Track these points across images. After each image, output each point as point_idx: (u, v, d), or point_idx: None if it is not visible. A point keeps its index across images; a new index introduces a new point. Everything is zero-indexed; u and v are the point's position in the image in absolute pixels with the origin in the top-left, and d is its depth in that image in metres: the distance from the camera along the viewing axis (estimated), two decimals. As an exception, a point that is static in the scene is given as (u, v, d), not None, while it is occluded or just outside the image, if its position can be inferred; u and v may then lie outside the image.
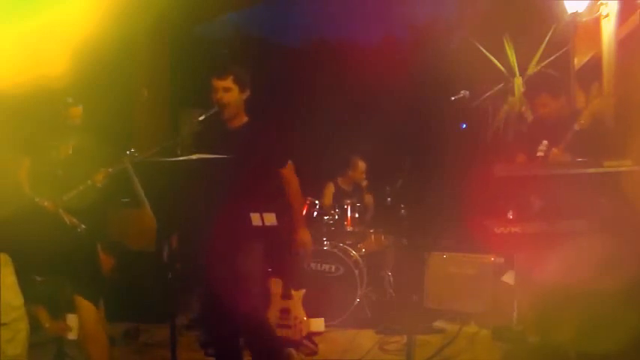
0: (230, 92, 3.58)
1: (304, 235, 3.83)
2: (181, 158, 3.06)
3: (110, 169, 3.35)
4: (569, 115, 4.07)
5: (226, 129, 3.65)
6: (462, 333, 4.81)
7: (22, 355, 2.99)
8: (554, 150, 3.91)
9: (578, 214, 3.23)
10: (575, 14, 5.91)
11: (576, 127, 3.88)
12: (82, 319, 3.23)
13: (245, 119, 3.69)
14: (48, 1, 3.12)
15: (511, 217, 3.54)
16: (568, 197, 3.24)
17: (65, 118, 3.54)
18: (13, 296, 2.97)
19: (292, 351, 4.67)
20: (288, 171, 3.75)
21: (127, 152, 3.00)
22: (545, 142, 4.04)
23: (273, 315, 4.78)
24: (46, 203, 3.13)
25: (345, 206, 6.06)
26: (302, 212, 4.04)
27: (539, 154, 4.04)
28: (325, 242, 5.75)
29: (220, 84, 3.57)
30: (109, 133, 5.72)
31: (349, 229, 6.01)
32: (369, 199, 6.63)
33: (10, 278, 2.96)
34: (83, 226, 3.28)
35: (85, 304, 3.24)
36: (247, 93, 3.65)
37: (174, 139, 3.86)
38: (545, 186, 3.33)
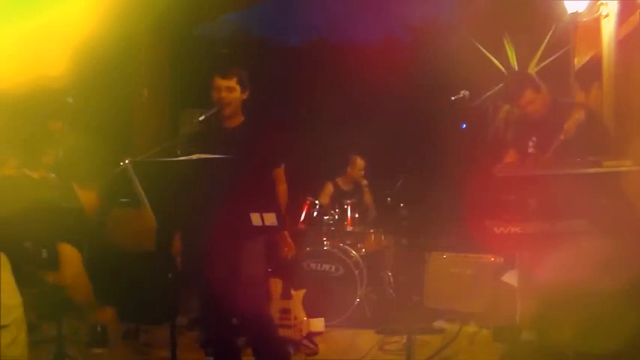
0: (233, 92, 3.64)
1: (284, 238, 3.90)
2: (181, 158, 3.06)
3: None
4: (554, 113, 4.03)
5: (224, 128, 3.69)
6: (462, 333, 4.81)
7: (23, 355, 2.97)
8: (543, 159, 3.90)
9: (578, 214, 3.23)
10: (575, 14, 5.91)
11: (562, 136, 3.86)
12: (66, 265, 3.13)
13: (242, 119, 3.74)
14: (48, 1, 3.12)
15: (511, 217, 3.54)
16: (568, 197, 3.24)
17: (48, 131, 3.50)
18: (12, 296, 2.95)
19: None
20: (279, 172, 3.81)
21: (121, 163, 2.98)
22: (534, 138, 4.02)
23: (273, 315, 4.78)
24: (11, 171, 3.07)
25: (345, 206, 6.06)
26: (284, 212, 4.06)
27: (530, 150, 4.03)
28: (325, 242, 5.75)
29: (224, 83, 3.63)
30: (109, 133, 5.73)
31: (349, 229, 6.01)
32: (368, 198, 6.63)
33: (7, 278, 2.94)
34: (53, 175, 3.22)
35: (68, 250, 3.14)
36: (247, 94, 3.71)
37: (174, 139, 3.87)
38: (545, 186, 3.33)
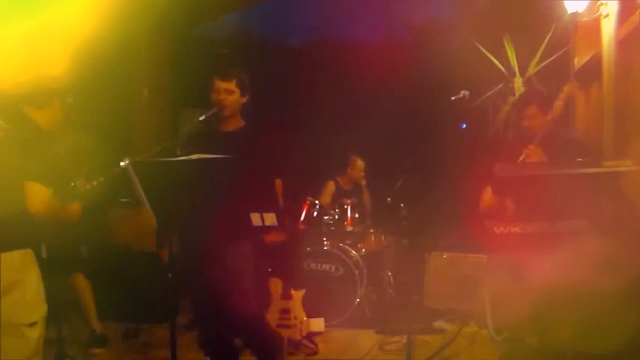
0: (232, 95, 3.62)
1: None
2: (181, 158, 3.06)
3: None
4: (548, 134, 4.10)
5: (222, 132, 3.67)
6: (461, 333, 4.81)
7: (39, 353, 2.97)
8: (531, 147, 3.90)
9: (578, 214, 3.23)
10: (575, 14, 5.91)
11: (549, 117, 3.86)
12: (32, 201, 2.93)
13: (241, 123, 3.73)
14: (48, 1, 3.12)
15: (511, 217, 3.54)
16: (568, 197, 3.23)
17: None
18: (40, 293, 2.94)
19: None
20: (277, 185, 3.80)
21: (121, 163, 2.96)
22: (525, 151, 4.05)
23: (273, 315, 4.78)
24: None
25: (345, 206, 6.06)
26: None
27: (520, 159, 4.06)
28: (325, 242, 5.75)
29: (223, 85, 3.61)
30: (109, 133, 5.73)
31: (349, 229, 6.01)
32: (367, 197, 6.64)
33: (36, 274, 2.93)
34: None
35: (31, 186, 2.95)
36: (246, 97, 3.68)
37: (174, 139, 3.86)
38: (545, 186, 3.33)
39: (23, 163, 2.86)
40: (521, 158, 4.04)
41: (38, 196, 2.88)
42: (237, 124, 3.72)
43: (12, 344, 2.79)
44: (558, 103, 3.89)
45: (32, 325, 2.87)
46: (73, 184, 3.07)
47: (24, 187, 2.84)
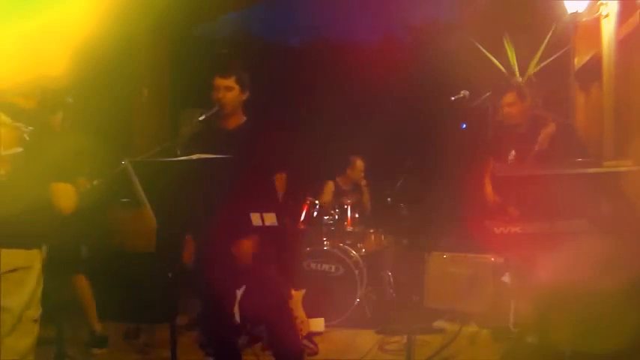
0: (232, 92, 3.62)
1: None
2: (181, 158, 3.06)
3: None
4: (532, 124, 4.15)
5: (224, 129, 3.67)
6: (462, 333, 4.81)
7: (33, 351, 2.98)
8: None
9: (578, 214, 3.23)
10: (575, 14, 5.92)
11: (536, 148, 3.97)
12: (61, 200, 2.96)
13: (243, 119, 3.73)
14: (48, 1, 3.12)
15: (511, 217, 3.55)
16: (568, 197, 3.24)
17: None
18: (40, 294, 2.97)
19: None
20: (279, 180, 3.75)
21: (122, 162, 2.96)
22: (513, 152, 4.09)
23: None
24: None
25: (345, 206, 6.06)
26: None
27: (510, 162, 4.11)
28: (325, 242, 5.74)
29: (223, 83, 3.61)
30: (109, 133, 5.73)
31: (349, 229, 6.01)
32: (366, 198, 6.64)
33: (42, 276, 2.95)
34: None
35: (60, 187, 2.97)
36: (247, 94, 3.68)
37: (174, 139, 3.86)
38: (545, 186, 3.33)
39: (32, 162, 2.87)
40: (511, 157, 4.07)
41: (70, 195, 2.94)
42: (237, 121, 3.71)
43: (25, 341, 2.84)
44: (542, 144, 3.96)
45: (35, 321, 2.90)
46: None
47: (51, 188, 2.88)
